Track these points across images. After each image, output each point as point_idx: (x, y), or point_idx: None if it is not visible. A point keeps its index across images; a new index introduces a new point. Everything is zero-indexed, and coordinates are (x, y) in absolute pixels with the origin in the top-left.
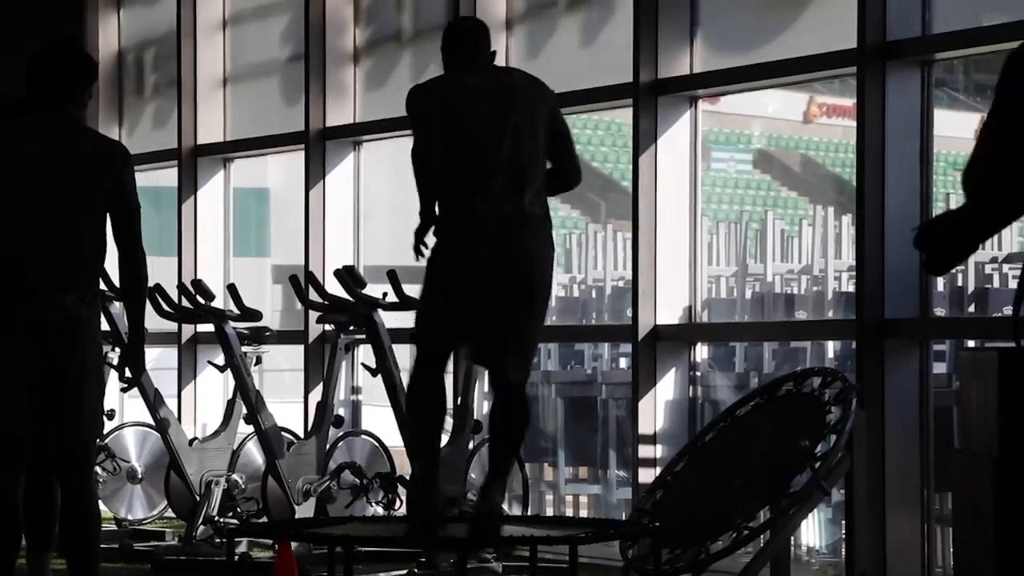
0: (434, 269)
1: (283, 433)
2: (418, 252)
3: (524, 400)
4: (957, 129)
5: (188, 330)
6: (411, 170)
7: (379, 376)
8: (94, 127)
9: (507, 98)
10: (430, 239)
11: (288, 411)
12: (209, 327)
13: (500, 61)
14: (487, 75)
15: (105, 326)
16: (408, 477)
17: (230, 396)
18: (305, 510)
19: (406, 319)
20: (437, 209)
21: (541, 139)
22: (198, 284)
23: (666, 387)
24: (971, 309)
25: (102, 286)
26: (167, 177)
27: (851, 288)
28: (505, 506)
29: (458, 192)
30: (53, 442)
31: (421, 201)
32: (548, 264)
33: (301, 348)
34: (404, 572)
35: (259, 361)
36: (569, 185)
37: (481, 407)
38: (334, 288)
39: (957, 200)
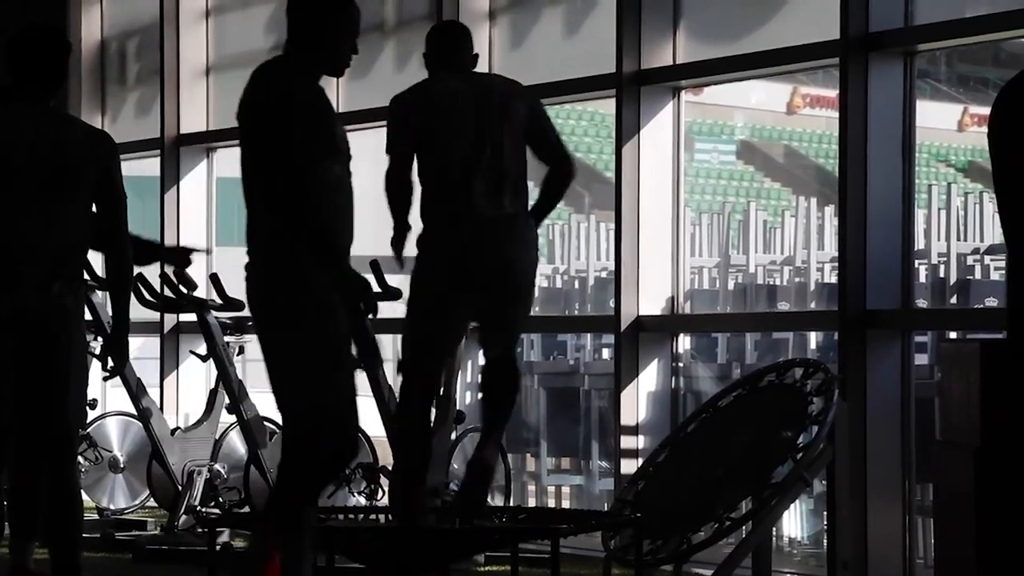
0: (418, 280)
1: (266, 423)
2: (400, 261)
3: (512, 364)
4: (940, 120)
5: (170, 320)
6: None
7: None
8: (77, 116)
9: (485, 104)
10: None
11: (271, 401)
12: (192, 316)
13: (483, 53)
14: (467, 81)
15: (87, 315)
16: (390, 467)
17: (212, 386)
18: None
19: (389, 309)
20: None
21: (520, 144)
22: (180, 273)
23: (648, 378)
24: (953, 300)
25: (85, 276)
26: (150, 166)
27: (833, 279)
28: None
29: (440, 196)
30: (37, 431)
31: (395, 217)
32: (531, 265)
33: None
34: None
35: (242, 351)
36: (567, 177)
37: (464, 398)
38: None
39: (939, 192)
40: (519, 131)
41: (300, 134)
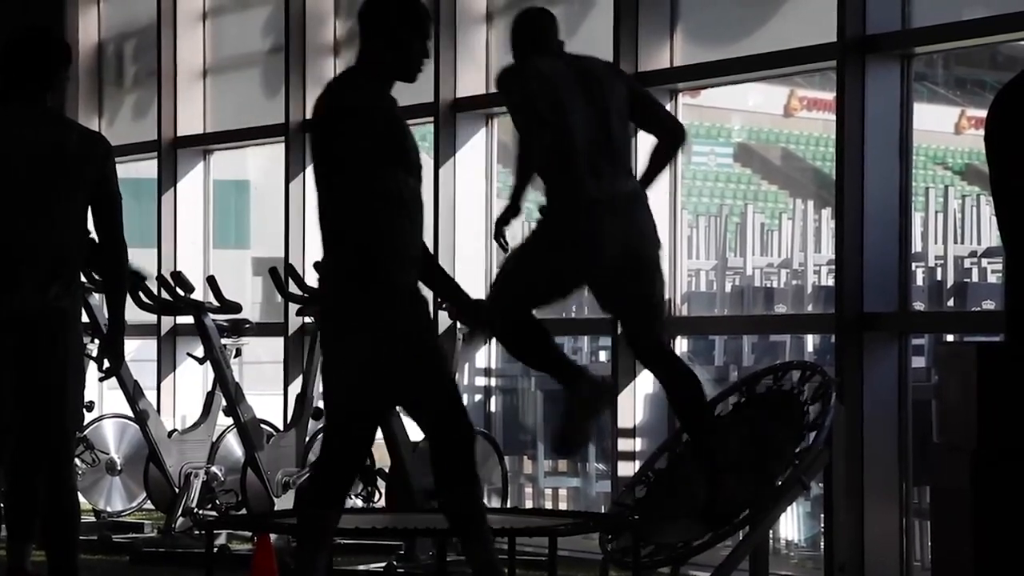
0: (543, 246)
1: (263, 425)
2: (500, 241)
3: (672, 358)
4: (936, 123)
5: (168, 322)
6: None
7: None
8: (74, 118)
9: (589, 83)
10: (508, 229)
11: (268, 403)
12: (189, 319)
13: (480, 55)
14: (567, 61)
15: (84, 317)
16: (387, 470)
17: (209, 388)
18: (284, 502)
19: None
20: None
21: (625, 121)
22: (178, 276)
23: (646, 380)
24: (950, 303)
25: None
26: (147, 169)
27: (830, 282)
28: (484, 499)
29: (564, 173)
30: (35, 433)
31: (515, 186)
32: (656, 234)
33: (281, 340)
34: (383, 564)
35: (239, 353)
36: (677, 143)
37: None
38: (314, 280)
39: (936, 194)
40: (623, 109)
41: (358, 144)
